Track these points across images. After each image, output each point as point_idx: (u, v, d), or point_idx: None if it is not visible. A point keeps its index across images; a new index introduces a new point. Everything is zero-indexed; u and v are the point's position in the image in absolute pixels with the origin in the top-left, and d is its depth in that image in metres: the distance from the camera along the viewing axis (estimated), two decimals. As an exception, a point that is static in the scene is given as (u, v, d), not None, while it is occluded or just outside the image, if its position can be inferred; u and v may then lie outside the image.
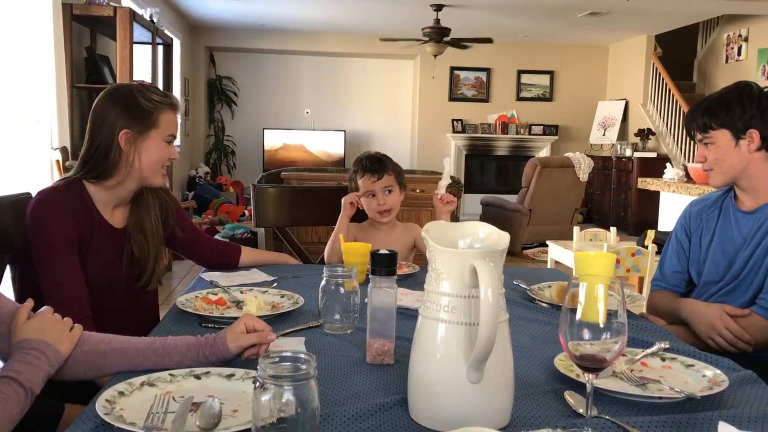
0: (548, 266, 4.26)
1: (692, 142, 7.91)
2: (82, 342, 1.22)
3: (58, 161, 3.84)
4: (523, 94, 9.90)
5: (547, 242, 4.43)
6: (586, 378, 0.98)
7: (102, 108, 1.71)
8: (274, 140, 9.63)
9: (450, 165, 2.24)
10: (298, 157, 9.59)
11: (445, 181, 2.23)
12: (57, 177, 3.78)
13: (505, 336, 1.02)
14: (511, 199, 7.04)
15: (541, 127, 9.77)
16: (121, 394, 1.05)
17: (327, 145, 9.74)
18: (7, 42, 3.51)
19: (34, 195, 1.75)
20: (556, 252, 4.19)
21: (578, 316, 0.95)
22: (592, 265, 1.40)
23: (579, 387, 1.12)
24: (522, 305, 1.73)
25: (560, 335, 0.98)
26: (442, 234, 1.05)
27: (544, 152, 9.72)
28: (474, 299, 0.98)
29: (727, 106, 1.76)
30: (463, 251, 1.03)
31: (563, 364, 1.23)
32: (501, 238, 1.04)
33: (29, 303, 1.23)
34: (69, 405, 1.39)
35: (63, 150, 3.93)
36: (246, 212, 8.05)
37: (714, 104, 1.78)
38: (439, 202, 2.25)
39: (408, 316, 1.48)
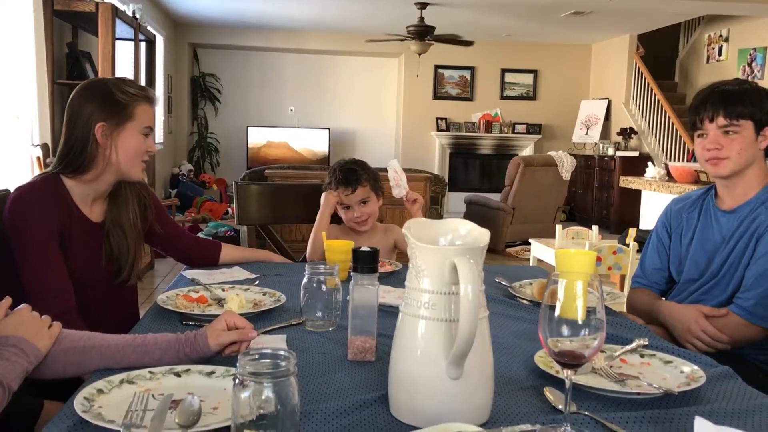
0: (531, 264, 4.28)
1: (675, 138, 8.01)
2: (61, 339, 1.21)
3: (39, 158, 3.80)
4: (507, 92, 9.93)
5: (530, 240, 4.45)
6: (565, 374, 0.98)
7: (77, 102, 1.71)
8: (257, 138, 9.59)
9: (394, 167, 2.26)
10: (282, 154, 9.56)
11: (396, 186, 2.25)
12: (38, 173, 3.74)
13: (485, 332, 1.03)
14: (495, 197, 7.06)
15: (525, 125, 9.81)
16: (100, 391, 1.04)
17: (311, 143, 9.72)
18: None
19: (12, 191, 1.73)
20: (539, 250, 4.22)
21: (557, 312, 0.96)
22: (573, 262, 1.41)
23: (558, 383, 1.13)
24: (503, 302, 1.74)
25: (539, 332, 0.98)
26: (423, 231, 1.05)
27: (527, 151, 9.77)
28: (454, 296, 0.98)
29: (758, 99, 1.75)
30: (444, 248, 1.03)
31: (543, 360, 1.24)
32: (482, 235, 1.05)
33: (7, 300, 1.22)
34: (48, 402, 1.38)
35: (44, 146, 3.89)
36: (229, 210, 8.01)
37: (746, 95, 1.75)
38: (407, 202, 2.26)
39: (390, 314, 1.48)
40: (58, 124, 4.42)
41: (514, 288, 1.82)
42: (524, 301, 1.74)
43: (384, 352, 1.27)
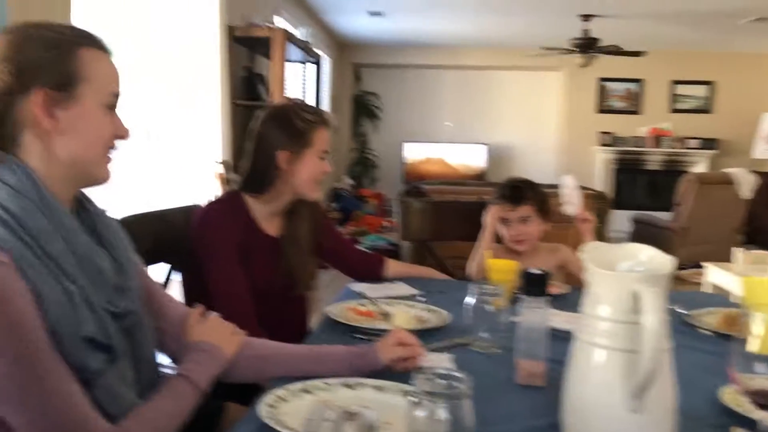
0: (705, 290, 3.99)
1: None
2: (245, 346, 1.30)
3: (221, 174, 4.12)
4: (678, 105, 9.35)
5: (704, 264, 4.15)
6: (760, 415, 0.91)
7: (262, 129, 1.85)
8: (414, 153, 9.75)
9: (569, 184, 2.17)
10: (437, 170, 9.64)
11: (568, 202, 2.16)
12: (220, 188, 4.05)
13: (668, 365, 0.97)
14: (664, 216, 6.67)
15: (698, 140, 9.17)
16: (281, 399, 1.10)
17: (468, 158, 9.72)
18: (176, 64, 3.81)
19: (201, 206, 1.89)
20: (715, 275, 3.92)
21: (752, 348, 0.89)
22: (766, 292, 1.30)
23: (749, 424, 1.04)
24: (681, 332, 1.63)
25: (730, 367, 0.92)
26: (601, 256, 1.02)
27: (701, 167, 9.12)
28: (635, 325, 0.94)
29: None
30: (625, 274, 0.99)
31: (731, 397, 1.15)
32: (665, 262, 0.99)
33: (200, 308, 1.32)
34: (227, 403, 1.48)
35: (225, 163, 4.21)
36: (386, 224, 8.20)
37: None
38: (578, 221, 2.18)
39: (558, 338, 1.44)
40: (236, 142, 4.77)
41: (693, 317, 1.70)
42: (705, 332, 1.62)
43: (552, 377, 1.24)
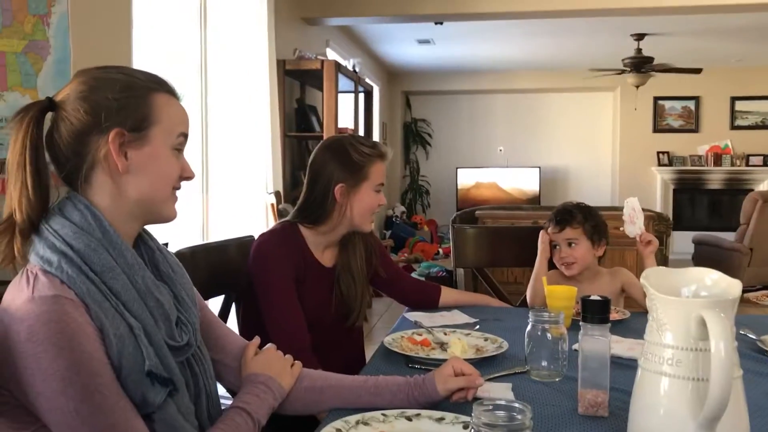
0: (775, 312, 3.82)
1: None
2: (301, 378, 1.30)
3: (273, 204, 4.18)
4: (738, 122, 9.08)
5: (774, 285, 3.98)
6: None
7: (319, 162, 1.86)
8: (467, 179, 9.73)
9: (632, 205, 2.12)
10: (490, 195, 9.58)
11: (630, 223, 2.11)
12: (272, 219, 4.11)
13: (739, 393, 0.93)
14: (727, 236, 6.45)
15: (761, 157, 8.88)
16: (338, 431, 1.10)
17: (521, 182, 9.64)
18: (231, 97, 3.91)
19: (255, 237, 1.92)
20: (785, 296, 3.75)
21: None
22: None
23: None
24: (752, 358, 1.56)
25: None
26: (664, 281, 0.98)
27: (765, 185, 8.82)
28: (702, 352, 0.90)
29: None
30: (689, 300, 0.95)
31: (808, 428, 1.09)
32: (731, 287, 0.96)
33: (256, 340, 1.33)
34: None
35: (276, 194, 4.27)
36: (440, 251, 8.16)
37: None
38: (640, 244, 2.13)
39: (620, 365, 1.40)
40: (288, 173, 4.85)
41: (763, 342, 1.63)
42: (777, 357, 1.55)
43: (616, 407, 1.20)
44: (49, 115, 1.08)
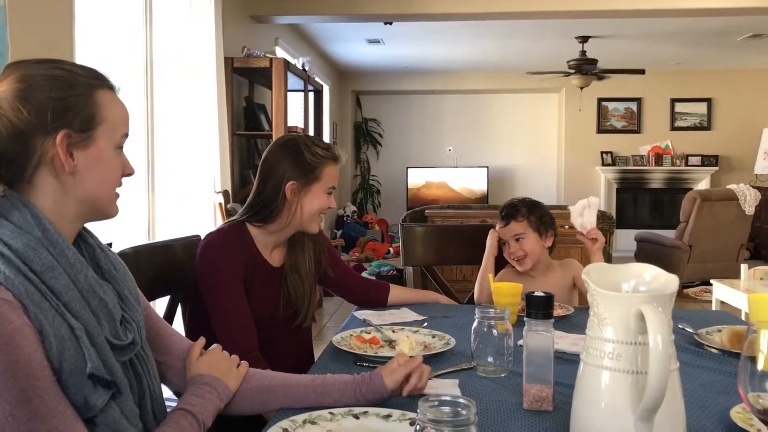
0: (713, 307, 3.96)
1: None
2: (248, 378, 1.28)
3: (220, 204, 4.12)
4: (678, 123, 9.38)
5: (711, 281, 4.12)
6: (772, 435, 0.89)
7: (272, 159, 1.84)
8: (417, 178, 9.78)
9: (590, 202, 2.15)
10: (440, 194, 9.66)
11: (578, 215, 2.14)
12: (220, 218, 4.06)
13: (676, 385, 0.96)
14: (668, 234, 6.65)
15: (699, 157, 9.19)
16: (285, 431, 1.09)
17: (469, 181, 9.75)
18: (178, 94, 3.84)
19: (202, 237, 1.89)
20: (722, 292, 3.89)
21: (759, 365, 0.88)
22: (772, 309, 1.29)
23: (762, 444, 1.02)
24: (689, 351, 1.62)
25: (739, 386, 0.90)
26: (604, 276, 1.01)
27: (703, 184, 9.13)
28: (641, 346, 0.93)
29: None
30: (629, 295, 0.98)
31: (741, 417, 1.13)
32: (669, 282, 0.98)
33: (201, 341, 1.31)
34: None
35: (224, 193, 4.22)
36: (391, 250, 8.19)
37: None
38: (586, 239, 2.16)
39: (564, 360, 1.43)
40: (236, 172, 4.79)
41: (700, 335, 1.68)
42: (713, 350, 1.61)
43: (560, 401, 1.22)
44: None
